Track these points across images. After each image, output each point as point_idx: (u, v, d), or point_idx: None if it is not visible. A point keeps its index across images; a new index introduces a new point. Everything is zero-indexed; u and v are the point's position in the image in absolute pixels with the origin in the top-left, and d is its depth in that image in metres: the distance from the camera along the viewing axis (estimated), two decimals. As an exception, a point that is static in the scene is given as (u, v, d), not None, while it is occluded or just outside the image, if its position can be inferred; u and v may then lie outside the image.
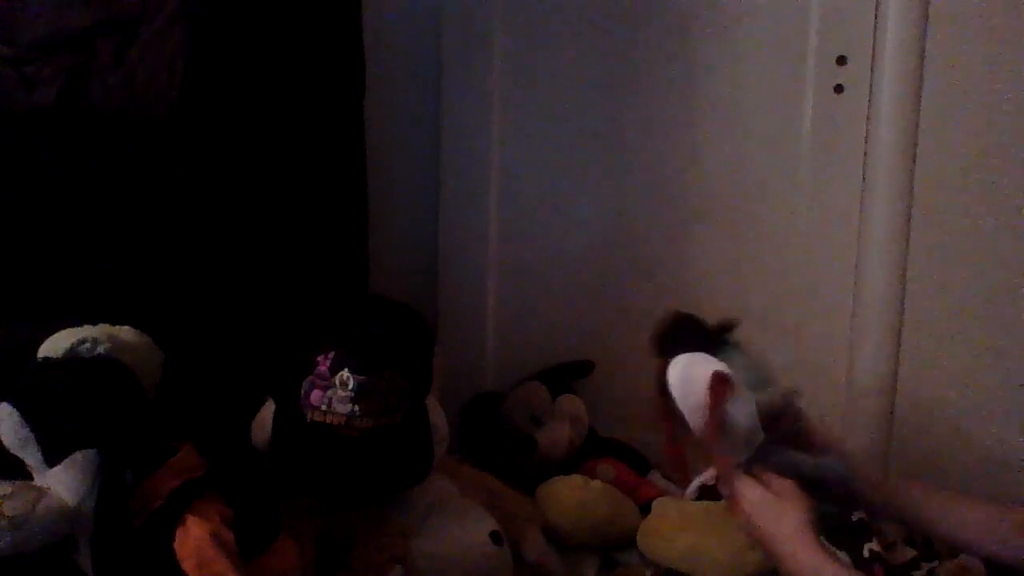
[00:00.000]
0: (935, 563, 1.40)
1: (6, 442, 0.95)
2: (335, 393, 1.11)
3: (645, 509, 1.45)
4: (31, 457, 0.95)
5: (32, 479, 0.95)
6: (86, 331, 1.04)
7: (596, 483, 1.45)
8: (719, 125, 1.67)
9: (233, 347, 1.22)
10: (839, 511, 1.47)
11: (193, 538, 0.95)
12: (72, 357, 1.02)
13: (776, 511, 0.98)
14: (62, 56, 1.18)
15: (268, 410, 1.16)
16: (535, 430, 1.61)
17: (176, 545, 0.95)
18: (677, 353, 1.10)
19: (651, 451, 1.71)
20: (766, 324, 1.71)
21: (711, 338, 1.12)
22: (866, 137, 1.59)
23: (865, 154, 1.60)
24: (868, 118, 1.59)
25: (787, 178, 1.65)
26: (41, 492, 0.92)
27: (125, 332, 1.07)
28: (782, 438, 1.08)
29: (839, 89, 1.60)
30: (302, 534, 1.10)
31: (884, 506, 1.08)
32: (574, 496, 1.42)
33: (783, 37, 1.62)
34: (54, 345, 1.03)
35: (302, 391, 1.13)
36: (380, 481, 1.14)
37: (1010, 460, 1.58)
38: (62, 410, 0.96)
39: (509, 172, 1.73)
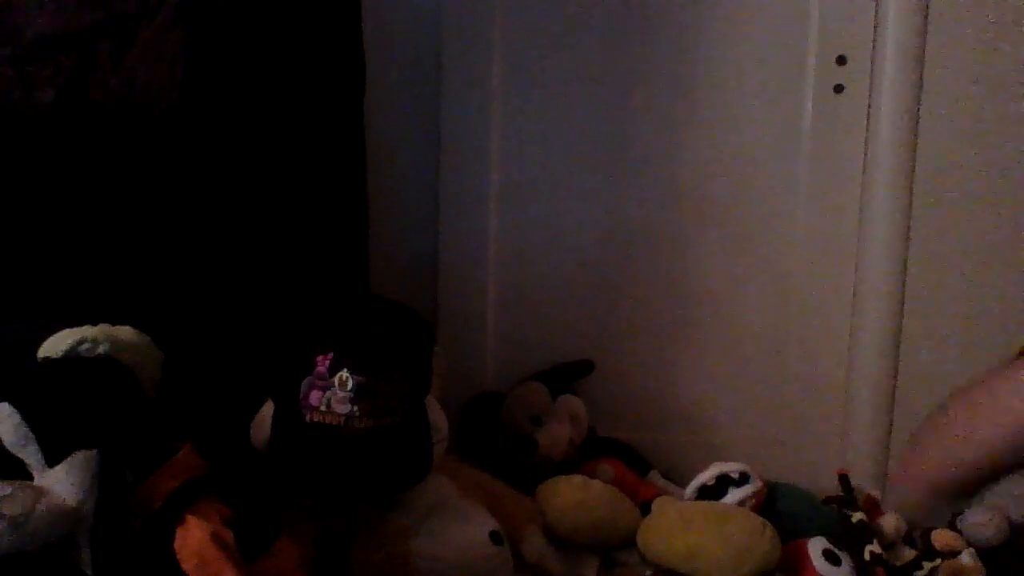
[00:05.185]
0: (936, 562, 1.40)
1: (6, 442, 0.95)
2: (334, 393, 1.11)
3: (645, 509, 1.45)
4: (31, 457, 0.95)
5: (32, 479, 0.95)
6: (86, 331, 1.04)
7: (596, 483, 1.45)
8: (719, 125, 1.67)
9: (232, 347, 1.22)
10: (839, 513, 1.47)
11: (193, 538, 0.95)
12: (72, 357, 1.02)
13: None
14: (62, 56, 1.18)
15: (267, 410, 1.16)
16: (535, 430, 1.61)
17: (176, 545, 0.95)
18: None
19: (651, 451, 1.71)
20: (766, 323, 1.71)
21: None
22: (866, 137, 1.60)
23: (865, 154, 1.60)
24: (868, 118, 1.59)
25: (787, 178, 1.66)
26: (41, 492, 0.91)
27: (125, 332, 1.07)
28: None
29: (839, 89, 1.60)
30: (302, 534, 1.10)
31: None
32: (574, 496, 1.41)
33: (783, 37, 1.62)
34: (54, 345, 1.03)
35: (301, 391, 1.13)
36: (380, 481, 1.14)
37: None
38: (62, 410, 0.96)
39: (509, 172, 1.73)
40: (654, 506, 1.44)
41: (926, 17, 1.52)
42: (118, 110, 1.17)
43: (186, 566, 0.94)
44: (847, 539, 1.38)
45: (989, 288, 1.57)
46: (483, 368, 1.78)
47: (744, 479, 1.46)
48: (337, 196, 1.44)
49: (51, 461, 0.94)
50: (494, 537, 1.18)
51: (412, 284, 1.74)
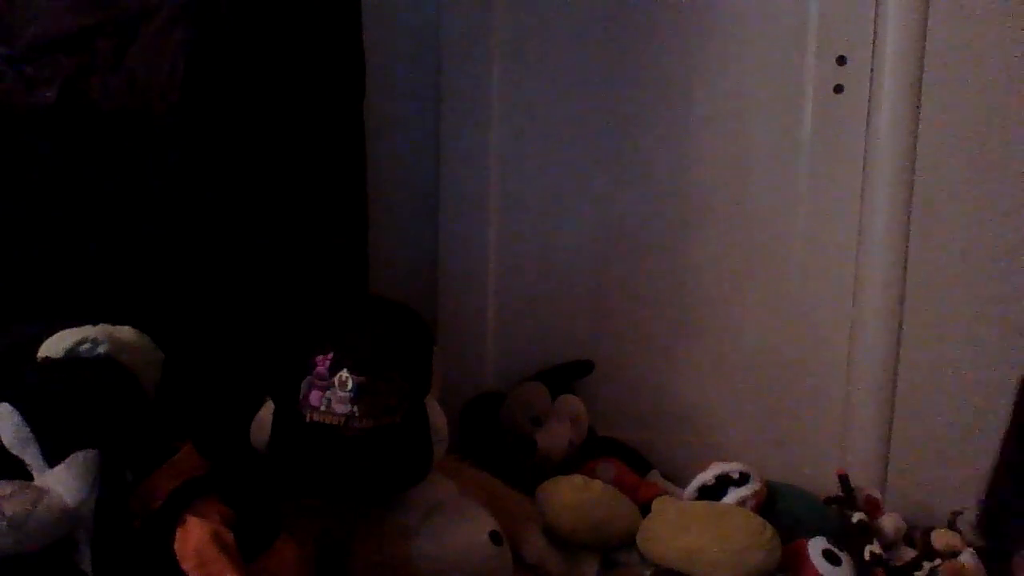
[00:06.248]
0: (936, 562, 1.40)
1: (6, 442, 0.95)
2: (334, 394, 1.11)
3: (645, 509, 1.45)
4: (31, 457, 0.95)
5: (32, 479, 0.95)
6: (86, 331, 1.04)
7: (596, 483, 1.45)
8: (719, 125, 1.67)
9: (233, 347, 1.22)
10: (839, 513, 1.47)
11: (193, 538, 0.95)
12: (72, 357, 1.02)
13: None
14: (62, 56, 1.18)
15: (267, 410, 1.16)
16: (535, 430, 1.61)
17: (176, 545, 0.95)
18: None
19: (651, 451, 1.71)
20: (765, 324, 1.71)
21: None
22: (866, 137, 1.60)
23: (865, 154, 1.60)
24: (868, 118, 1.59)
25: (787, 178, 1.66)
26: (41, 492, 0.92)
27: (125, 332, 1.07)
28: None
29: (839, 89, 1.60)
30: (302, 534, 1.10)
31: None
32: (574, 496, 1.41)
33: (783, 37, 1.62)
34: (54, 345, 1.03)
35: (301, 391, 1.13)
36: (379, 481, 1.14)
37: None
38: (62, 410, 0.96)
39: (509, 172, 1.73)
40: (654, 506, 1.44)
41: (926, 17, 1.52)
42: (118, 110, 1.17)
43: (186, 566, 0.94)
44: (847, 539, 1.38)
45: (989, 288, 1.57)
46: (483, 368, 1.78)
47: (744, 479, 1.46)
48: (337, 197, 1.44)
49: (51, 461, 0.94)
50: (494, 537, 1.18)
51: (412, 284, 1.74)
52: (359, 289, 1.51)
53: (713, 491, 1.46)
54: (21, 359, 1.03)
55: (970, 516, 1.48)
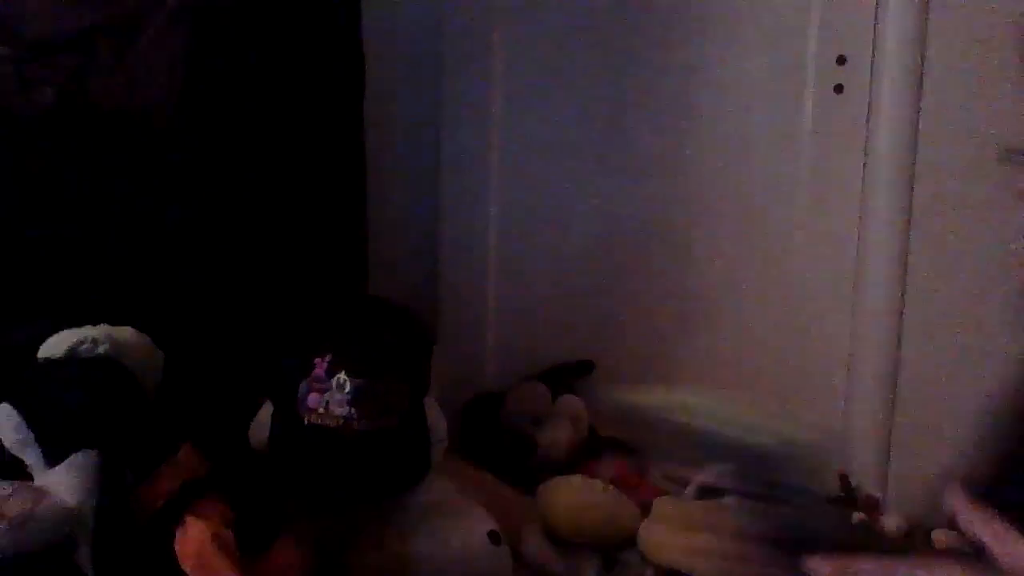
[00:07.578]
0: (935, 563, 1.40)
1: (6, 442, 0.96)
2: (332, 396, 1.11)
3: (645, 509, 1.45)
4: (31, 457, 0.95)
5: (32, 479, 0.96)
6: (86, 331, 1.05)
7: (596, 483, 1.45)
8: (720, 125, 1.67)
9: (232, 348, 1.22)
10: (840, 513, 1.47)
11: (193, 538, 0.95)
12: (72, 357, 1.02)
13: None
14: (62, 56, 1.18)
15: (266, 412, 1.16)
16: (535, 430, 1.61)
17: (176, 546, 0.95)
18: None
19: (651, 451, 1.71)
20: (765, 324, 1.71)
21: None
22: (866, 137, 1.59)
23: (865, 154, 1.60)
24: (868, 118, 1.59)
25: (787, 178, 1.65)
26: (41, 492, 0.92)
27: (125, 332, 1.07)
28: None
29: (839, 89, 1.60)
30: (302, 534, 1.10)
31: None
32: (574, 496, 1.41)
33: (783, 37, 1.62)
34: (54, 345, 1.03)
35: (299, 393, 1.12)
36: (377, 483, 1.14)
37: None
38: (62, 410, 0.96)
39: (509, 172, 1.73)
40: (654, 506, 1.44)
41: (926, 17, 1.52)
42: (118, 110, 1.17)
43: (186, 566, 0.94)
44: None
45: (989, 288, 1.56)
46: (483, 368, 1.78)
47: (744, 479, 1.45)
48: (337, 196, 1.44)
49: (51, 461, 0.94)
50: (493, 537, 1.18)
51: (412, 284, 1.74)
52: (359, 289, 1.51)
53: (713, 491, 1.46)
54: (21, 359, 1.03)
55: None
